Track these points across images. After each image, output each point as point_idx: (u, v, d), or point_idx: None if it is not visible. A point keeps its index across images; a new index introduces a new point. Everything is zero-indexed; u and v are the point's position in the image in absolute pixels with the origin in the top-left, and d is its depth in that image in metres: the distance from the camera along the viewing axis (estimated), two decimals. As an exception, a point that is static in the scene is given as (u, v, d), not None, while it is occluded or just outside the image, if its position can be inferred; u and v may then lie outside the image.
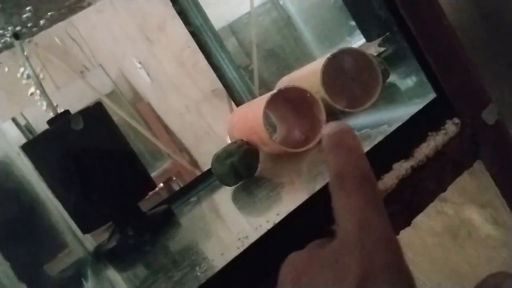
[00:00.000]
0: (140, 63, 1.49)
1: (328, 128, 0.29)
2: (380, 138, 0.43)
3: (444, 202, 0.76)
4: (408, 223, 0.42)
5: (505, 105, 0.55)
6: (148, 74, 1.50)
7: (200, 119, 1.37)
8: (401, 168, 0.41)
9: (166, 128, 1.70)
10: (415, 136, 0.43)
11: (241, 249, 0.40)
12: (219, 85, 0.92)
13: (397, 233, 0.41)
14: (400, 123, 0.43)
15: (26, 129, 1.54)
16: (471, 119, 0.45)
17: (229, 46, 1.59)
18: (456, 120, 0.44)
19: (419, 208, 0.42)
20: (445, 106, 0.44)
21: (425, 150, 0.42)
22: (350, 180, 0.26)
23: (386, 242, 0.24)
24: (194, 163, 1.55)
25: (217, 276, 0.37)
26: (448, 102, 0.44)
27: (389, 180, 0.41)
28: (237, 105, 0.87)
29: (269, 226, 0.42)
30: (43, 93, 0.68)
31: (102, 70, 1.75)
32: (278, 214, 0.43)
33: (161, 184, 1.80)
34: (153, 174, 1.66)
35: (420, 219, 0.84)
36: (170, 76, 1.37)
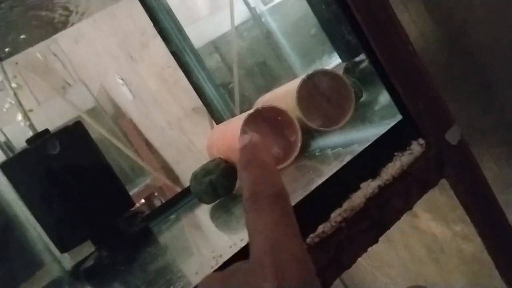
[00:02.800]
0: (122, 79, 1.50)
1: (241, 142, 0.30)
2: (349, 158, 0.45)
3: (417, 218, 0.78)
4: (375, 241, 0.43)
5: (468, 126, 0.58)
6: (130, 91, 1.50)
7: (182, 135, 1.38)
8: (368, 187, 0.43)
9: (148, 144, 1.70)
10: (382, 156, 0.45)
11: (214, 268, 0.41)
12: (200, 102, 0.93)
13: (365, 250, 0.43)
14: (367, 144, 0.45)
15: (5, 146, 1.52)
16: (436, 140, 0.47)
17: (213, 62, 1.61)
18: (421, 141, 0.46)
19: (386, 225, 0.44)
20: (411, 128, 0.46)
21: (391, 169, 0.44)
22: (263, 200, 0.26)
23: (298, 261, 0.24)
24: (176, 179, 1.55)
25: None
26: (413, 124, 0.46)
27: (357, 199, 0.42)
28: (217, 123, 0.88)
29: (243, 244, 0.43)
30: (23, 113, 0.69)
31: (84, 86, 1.75)
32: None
33: (143, 200, 1.80)
34: (134, 190, 1.66)
35: (395, 235, 0.86)
36: (152, 93, 1.38)
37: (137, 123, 1.65)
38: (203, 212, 0.71)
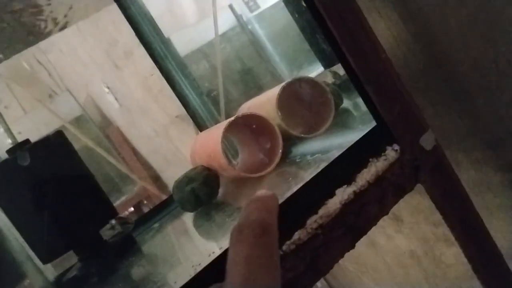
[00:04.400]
0: (108, 88, 1.50)
1: (257, 192, 0.31)
2: (324, 164, 0.45)
3: (401, 222, 0.79)
4: (352, 246, 0.44)
5: (444, 131, 0.59)
6: (116, 99, 1.50)
7: (169, 142, 1.38)
8: (344, 193, 0.43)
9: (135, 152, 1.69)
10: (357, 162, 0.46)
11: (192, 276, 0.41)
12: (184, 110, 0.94)
13: (342, 256, 0.43)
14: (341, 150, 0.46)
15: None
16: (410, 145, 0.48)
17: (200, 69, 1.61)
18: (396, 147, 0.47)
19: (362, 231, 0.44)
20: (385, 134, 0.47)
21: (366, 175, 0.45)
22: (248, 232, 0.27)
23: None
24: (163, 186, 1.55)
25: None
26: (387, 130, 0.47)
27: (333, 205, 0.43)
28: (201, 130, 0.88)
29: (220, 252, 0.43)
30: (3, 124, 0.68)
31: (70, 95, 1.74)
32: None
33: (132, 208, 1.79)
34: (123, 198, 1.65)
35: (380, 239, 0.87)
36: (138, 101, 1.38)
37: (124, 131, 1.65)
38: (186, 220, 0.71)
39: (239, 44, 1.83)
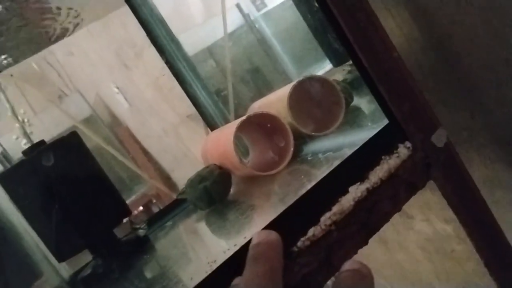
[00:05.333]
0: (117, 88, 1.51)
1: (257, 237, 0.30)
2: (337, 162, 0.46)
3: (411, 219, 0.79)
4: (365, 243, 0.44)
5: (456, 128, 0.59)
6: (126, 99, 1.52)
7: (179, 142, 1.39)
8: (357, 190, 0.44)
9: (145, 152, 1.70)
10: (369, 160, 0.46)
11: (208, 273, 0.42)
12: (194, 110, 0.95)
13: (356, 253, 0.44)
14: (355, 148, 0.46)
15: (2, 156, 1.53)
16: (422, 143, 0.48)
17: (208, 68, 1.62)
18: (408, 144, 0.47)
19: (375, 228, 0.45)
20: (397, 131, 0.48)
21: (379, 173, 0.45)
22: None
23: None
24: (173, 185, 1.56)
25: None
26: (400, 127, 0.47)
27: (346, 202, 0.43)
28: (211, 130, 0.89)
29: (236, 248, 0.44)
30: (20, 126, 0.70)
31: (80, 96, 1.76)
32: (245, 237, 0.45)
33: (141, 208, 1.80)
34: (132, 197, 1.66)
35: (389, 236, 0.87)
36: (148, 101, 1.39)
37: (134, 131, 1.66)
38: (199, 218, 0.72)
39: (246, 43, 1.83)
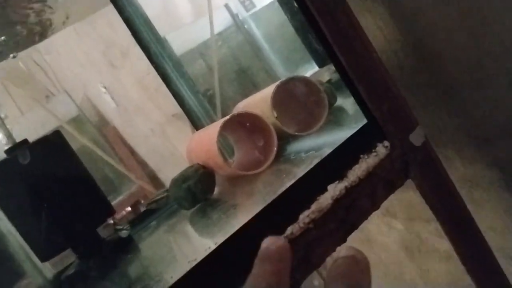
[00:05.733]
0: (105, 88, 1.50)
1: (267, 241, 0.30)
2: (316, 161, 0.46)
3: (394, 218, 0.80)
4: (344, 240, 0.45)
5: (434, 128, 0.60)
6: (113, 99, 1.51)
7: (165, 141, 1.39)
8: (335, 189, 0.45)
9: (132, 151, 1.70)
10: (348, 158, 0.47)
11: (187, 270, 0.42)
12: (180, 109, 0.95)
13: (334, 250, 0.44)
14: (333, 147, 0.47)
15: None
16: (400, 142, 0.49)
17: (197, 68, 1.62)
18: (386, 143, 0.48)
19: (353, 226, 0.45)
20: (376, 130, 0.48)
21: (358, 171, 0.46)
22: None
23: None
24: (160, 185, 1.56)
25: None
26: (378, 127, 0.48)
27: (325, 200, 0.44)
28: (197, 129, 0.89)
29: (215, 247, 0.44)
30: (2, 124, 0.69)
31: (67, 95, 1.75)
32: (226, 235, 0.45)
33: (129, 208, 1.79)
34: (120, 198, 1.65)
35: (374, 236, 0.88)
36: (135, 100, 1.39)
37: (121, 130, 1.65)
38: (183, 218, 0.72)
39: (235, 43, 1.83)
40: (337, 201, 0.44)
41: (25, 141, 0.72)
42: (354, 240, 0.92)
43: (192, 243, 0.60)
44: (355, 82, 0.47)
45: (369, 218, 0.49)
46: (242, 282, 0.27)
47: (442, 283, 0.80)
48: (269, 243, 0.29)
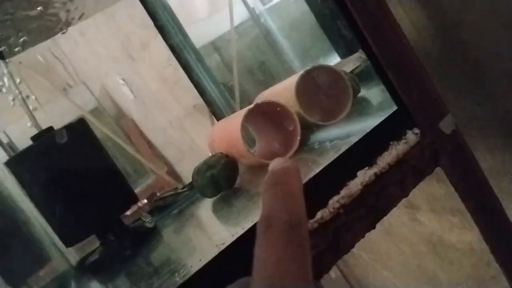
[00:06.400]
0: (123, 80, 1.51)
1: (273, 164, 0.29)
2: (346, 147, 0.46)
3: (417, 210, 0.79)
4: (373, 226, 0.45)
5: (463, 116, 0.59)
6: (131, 91, 1.52)
7: (183, 134, 1.39)
8: (365, 175, 0.44)
9: (150, 144, 1.71)
10: (378, 145, 0.47)
11: (217, 254, 0.42)
12: (200, 100, 0.95)
13: (363, 236, 0.44)
14: (361, 135, 0.46)
15: (8, 147, 1.54)
16: (430, 129, 0.48)
17: (212, 63, 1.62)
18: (416, 130, 0.48)
19: (382, 212, 0.45)
20: (406, 118, 0.48)
21: (387, 158, 0.46)
22: (276, 227, 0.25)
23: None
24: (177, 178, 1.57)
25: (195, 277, 0.39)
26: (408, 114, 0.48)
27: (354, 186, 0.44)
28: (218, 120, 0.90)
29: (243, 231, 0.44)
30: (27, 110, 0.70)
31: (85, 87, 1.77)
32: (252, 222, 0.46)
33: (145, 200, 1.81)
34: (136, 190, 1.66)
35: (395, 228, 0.88)
36: (153, 93, 1.39)
37: (139, 123, 1.66)
38: (206, 206, 0.72)
39: (252, 38, 1.83)
40: (366, 187, 0.44)
41: (50, 128, 0.72)
42: (375, 233, 0.92)
43: (215, 230, 0.61)
44: (385, 68, 0.47)
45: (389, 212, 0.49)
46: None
47: (464, 276, 0.79)
48: (275, 166, 0.28)
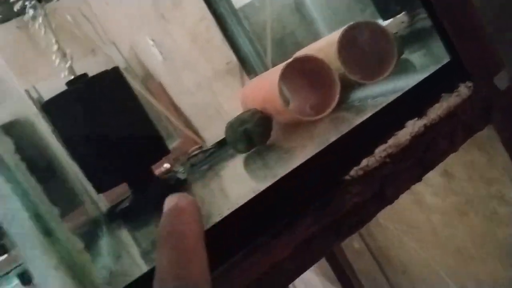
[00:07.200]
0: (153, 40, 1.50)
1: (168, 202, 0.28)
2: (394, 97, 0.44)
3: (452, 179, 0.77)
4: (419, 179, 0.43)
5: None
6: (160, 52, 1.51)
7: (212, 97, 1.38)
8: (414, 125, 0.43)
9: (176, 108, 1.71)
10: (428, 96, 0.45)
11: (231, 210, 0.40)
12: (233, 59, 0.93)
13: (409, 188, 0.43)
14: (414, 83, 0.44)
15: (38, 102, 1.56)
16: (484, 83, 0.46)
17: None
18: (469, 84, 0.45)
19: (430, 165, 0.44)
20: (459, 70, 0.46)
21: (438, 110, 0.44)
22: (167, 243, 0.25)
23: None
24: (203, 144, 1.57)
25: (224, 222, 0.38)
26: (462, 66, 0.45)
27: (403, 136, 0.42)
28: (250, 78, 0.88)
29: (263, 188, 0.41)
30: (62, 56, 0.70)
31: (113, 48, 1.76)
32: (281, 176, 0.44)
33: (168, 165, 1.82)
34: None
35: (427, 196, 0.86)
36: (183, 53, 1.37)
37: (166, 85, 1.65)
38: (237, 161, 0.71)
39: (281, 6, 1.79)
40: (415, 138, 0.42)
41: (84, 75, 0.72)
42: (404, 202, 0.90)
43: (243, 186, 0.59)
44: (440, 16, 0.44)
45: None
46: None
47: (497, 249, 0.77)
48: (170, 205, 0.26)
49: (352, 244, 1.16)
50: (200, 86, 1.43)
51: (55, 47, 0.76)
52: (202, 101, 1.47)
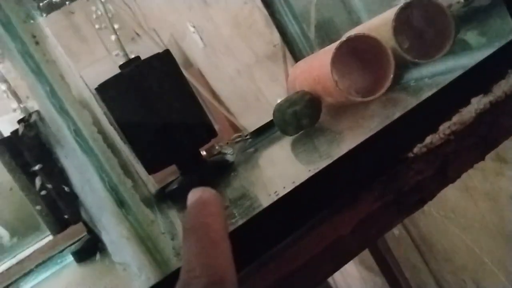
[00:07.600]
0: (194, 27, 1.51)
1: (191, 197, 0.27)
2: (459, 73, 0.43)
3: (504, 164, 0.75)
4: (482, 158, 0.42)
5: None
6: (201, 39, 1.51)
7: (251, 84, 1.38)
8: (479, 102, 0.42)
9: (215, 95, 1.72)
10: (494, 72, 0.43)
11: (287, 190, 0.40)
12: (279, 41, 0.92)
13: (471, 166, 0.42)
14: (478, 60, 0.43)
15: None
16: (553, 60, 0.44)
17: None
18: (538, 61, 0.44)
19: (494, 143, 0.42)
20: (528, 46, 0.44)
21: (504, 87, 0.42)
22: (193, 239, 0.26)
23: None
24: (239, 131, 1.58)
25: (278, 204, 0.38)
26: (531, 42, 0.44)
27: (467, 113, 0.41)
28: (297, 61, 0.88)
29: (312, 173, 0.41)
30: (117, 39, 0.72)
31: (153, 34, 1.79)
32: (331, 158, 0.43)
33: (204, 152, 1.85)
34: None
35: (475, 182, 0.84)
36: (225, 39, 1.38)
37: (205, 72, 1.67)
38: (285, 144, 0.71)
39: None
40: (480, 115, 0.41)
41: (137, 58, 0.74)
42: (451, 188, 0.88)
43: (293, 168, 0.59)
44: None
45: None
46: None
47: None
48: (193, 199, 0.26)
49: (392, 231, 1.15)
50: (240, 72, 1.43)
51: (112, 31, 0.77)
52: (241, 88, 1.47)
